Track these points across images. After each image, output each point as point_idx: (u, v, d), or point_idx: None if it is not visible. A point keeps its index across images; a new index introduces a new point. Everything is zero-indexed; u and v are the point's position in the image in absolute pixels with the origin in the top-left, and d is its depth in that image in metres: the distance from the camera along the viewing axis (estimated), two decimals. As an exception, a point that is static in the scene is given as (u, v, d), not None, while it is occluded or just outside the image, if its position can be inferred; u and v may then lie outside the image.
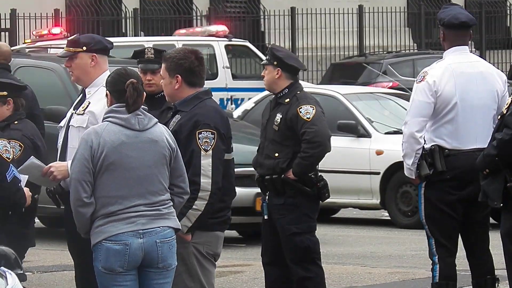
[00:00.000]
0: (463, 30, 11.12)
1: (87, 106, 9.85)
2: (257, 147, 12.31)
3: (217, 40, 24.77)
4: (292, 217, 11.22)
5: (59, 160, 9.90)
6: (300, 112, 11.22)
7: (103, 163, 8.75)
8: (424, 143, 10.65)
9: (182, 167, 9.12)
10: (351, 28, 34.99)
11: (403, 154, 10.79)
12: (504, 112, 9.87)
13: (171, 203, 9.01)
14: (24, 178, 9.36)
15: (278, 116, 11.30)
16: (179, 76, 9.76)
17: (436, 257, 10.55)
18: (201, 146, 9.53)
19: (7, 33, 30.95)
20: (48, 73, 15.69)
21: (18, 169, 9.17)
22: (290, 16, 35.09)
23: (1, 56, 11.48)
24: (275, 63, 11.47)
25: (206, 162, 9.55)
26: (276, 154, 11.23)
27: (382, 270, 14.60)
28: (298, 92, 11.42)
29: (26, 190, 9.33)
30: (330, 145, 11.58)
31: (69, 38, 10.69)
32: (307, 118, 11.19)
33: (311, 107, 11.33)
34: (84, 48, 9.99)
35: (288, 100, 11.32)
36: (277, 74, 11.43)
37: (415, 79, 11.12)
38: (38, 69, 15.95)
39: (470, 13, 12.71)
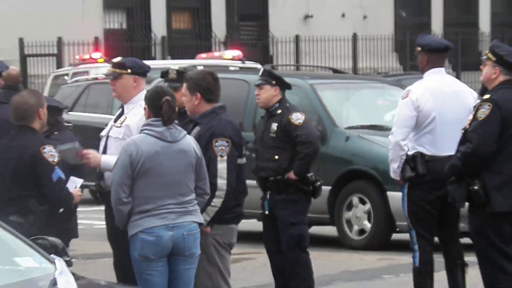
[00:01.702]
0: (444, 54, 11.14)
1: (124, 120, 9.84)
2: None
3: (233, 61, 24.60)
4: (291, 210, 11.23)
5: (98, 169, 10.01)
6: (292, 118, 11.22)
7: (140, 169, 8.83)
8: (408, 150, 10.64)
9: (204, 172, 9.19)
10: (346, 52, 34.86)
11: (390, 159, 10.76)
12: (467, 128, 9.91)
13: (196, 202, 9.08)
14: (79, 182, 9.44)
15: (274, 125, 11.29)
16: (199, 94, 9.80)
17: (416, 245, 10.52)
18: (217, 152, 9.57)
19: (54, 57, 30.82)
20: (294, 90, 15.60)
21: (61, 148, 9.29)
22: (295, 43, 34.94)
23: (11, 79, 11.45)
24: (273, 82, 11.45)
25: (222, 166, 9.60)
26: (276, 157, 11.24)
27: (372, 257, 14.52)
28: (287, 104, 11.45)
29: (76, 190, 9.40)
30: (319, 144, 11.72)
31: (114, 61, 10.63)
32: (298, 123, 11.19)
33: (300, 114, 11.35)
34: (129, 70, 10.00)
35: (280, 111, 11.33)
36: (274, 91, 11.43)
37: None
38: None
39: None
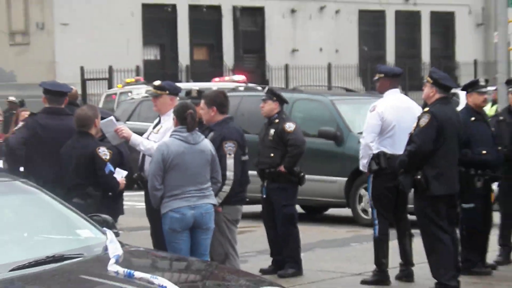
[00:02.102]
0: (399, 78, 11.12)
1: (160, 128, 9.85)
2: None
3: (239, 83, 24.58)
4: (283, 195, 11.18)
5: (140, 161, 9.96)
6: (285, 126, 11.12)
7: (170, 164, 8.88)
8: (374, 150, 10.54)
9: (217, 166, 9.22)
10: (323, 77, 34.70)
11: (361, 156, 10.67)
12: (412, 132, 9.95)
13: (211, 188, 9.13)
14: (124, 173, 9.43)
15: (272, 131, 11.20)
16: (215, 107, 9.85)
17: (377, 221, 10.48)
18: (227, 152, 9.64)
19: (106, 81, 30.79)
20: (318, 104, 15.44)
21: (101, 122, 9.29)
22: (285, 70, 34.85)
23: (70, 96, 11.33)
24: (274, 98, 11.38)
25: (230, 162, 9.65)
26: (272, 155, 11.15)
27: (342, 230, 14.49)
28: (284, 115, 11.36)
29: (122, 180, 9.40)
30: (305, 147, 11.46)
31: (155, 84, 10.54)
32: (290, 130, 11.10)
33: (292, 123, 11.24)
34: (167, 92, 9.95)
35: (277, 120, 11.22)
36: (275, 105, 11.31)
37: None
38: (311, 102, 15.56)
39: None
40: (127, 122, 20.18)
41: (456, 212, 10.32)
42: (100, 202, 8.90)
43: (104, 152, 9.07)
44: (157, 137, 9.67)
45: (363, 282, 10.65)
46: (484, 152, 10.80)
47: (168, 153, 8.92)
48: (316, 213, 16.20)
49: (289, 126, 11.16)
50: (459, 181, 10.13)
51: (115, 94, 25.62)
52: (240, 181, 9.86)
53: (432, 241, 9.89)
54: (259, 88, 22.95)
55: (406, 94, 11.20)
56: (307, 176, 11.73)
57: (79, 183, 8.99)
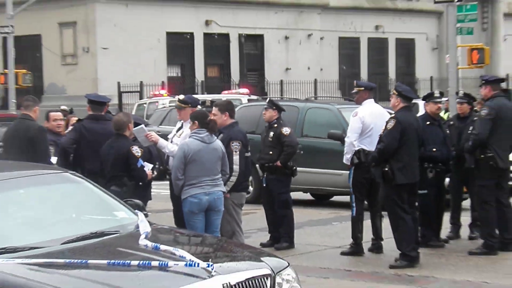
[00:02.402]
0: (373, 91, 11.09)
1: (182, 133, 9.81)
2: None
3: (243, 96, 24.58)
4: (279, 184, 11.12)
5: (166, 158, 10.02)
6: (282, 130, 11.06)
7: (189, 160, 8.91)
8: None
9: (226, 161, 9.24)
10: (310, 91, 34.63)
11: (345, 152, 10.60)
12: (381, 133, 9.91)
13: (221, 178, 9.15)
14: (150, 166, 9.43)
15: (271, 133, 11.14)
16: (227, 113, 9.88)
17: (354, 203, 10.46)
18: (233, 149, 9.63)
19: (138, 93, 30.81)
20: (327, 111, 15.31)
21: (133, 129, 9.28)
22: (280, 85, 34.84)
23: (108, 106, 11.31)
24: (274, 107, 11.29)
25: (236, 158, 9.63)
26: (271, 152, 11.09)
27: (326, 212, 14.41)
28: (281, 121, 11.26)
29: (149, 172, 9.40)
30: (297, 147, 11.40)
31: (180, 98, 10.53)
32: (286, 133, 11.04)
33: (288, 128, 11.17)
34: (189, 105, 9.92)
35: (276, 125, 11.15)
36: (274, 113, 11.23)
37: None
38: (321, 109, 15.53)
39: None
40: (160, 126, 20.23)
41: (416, 197, 10.31)
42: (133, 190, 8.90)
43: (136, 150, 9.10)
44: (179, 140, 9.65)
45: (342, 253, 10.64)
46: (434, 149, 10.80)
47: (188, 150, 8.94)
48: (324, 199, 16.01)
49: (286, 130, 11.11)
50: (429, 172, 10.18)
51: (145, 103, 25.64)
52: (244, 173, 9.85)
53: (396, 220, 9.87)
54: (262, 98, 22.95)
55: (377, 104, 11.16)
56: (318, 170, 11.74)
57: (116, 174, 8.98)
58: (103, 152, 9.18)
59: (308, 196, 15.80)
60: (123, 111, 26.03)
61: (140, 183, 9.25)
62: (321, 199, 15.89)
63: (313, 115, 15.07)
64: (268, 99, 13.27)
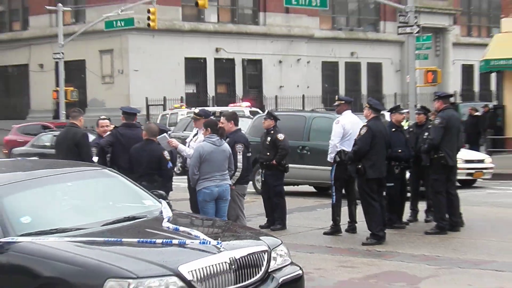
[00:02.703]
0: (351, 104, 10.97)
1: (197, 139, 9.70)
2: None
3: (246, 108, 24.57)
4: (275, 178, 11.06)
5: (184, 158, 9.93)
6: (278, 136, 10.98)
7: (204, 159, 8.84)
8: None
9: (232, 160, 9.18)
10: (299, 105, 34.49)
11: (329, 152, 10.51)
12: (357, 138, 9.88)
13: (228, 174, 9.09)
14: (171, 164, 9.41)
15: (269, 138, 11.06)
16: (232, 122, 9.85)
17: (334, 193, 10.43)
18: (237, 151, 9.57)
19: (161, 106, 30.80)
20: (329, 120, 14.97)
21: (158, 137, 9.19)
22: (275, 99, 34.81)
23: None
24: (271, 118, 11.23)
25: (240, 157, 9.58)
26: (268, 153, 11.00)
27: (312, 200, 14.30)
28: (277, 128, 11.15)
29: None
30: (289, 150, 11.28)
31: (195, 111, 10.54)
32: (281, 139, 10.96)
33: (282, 134, 11.07)
34: (203, 117, 9.80)
35: (273, 132, 11.06)
36: (272, 122, 11.14)
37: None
38: (324, 118, 14.68)
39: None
40: (184, 131, 19.94)
41: (383, 188, 10.29)
42: (161, 184, 8.87)
43: (167, 155, 9.09)
44: (195, 144, 9.56)
45: (325, 233, 10.61)
46: (400, 151, 10.78)
47: (202, 152, 8.89)
48: (325, 191, 15.65)
49: (280, 136, 11.01)
50: (395, 168, 10.16)
51: (167, 114, 25.60)
52: (246, 169, 9.81)
53: (367, 207, 9.86)
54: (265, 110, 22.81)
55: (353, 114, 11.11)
56: (322, 167, 11.66)
57: (148, 172, 8.86)
58: (135, 153, 9.07)
59: (302, 188, 15.60)
60: (150, 121, 26.07)
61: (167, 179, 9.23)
62: (323, 190, 15.73)
63: (317, 123, 14.86)
64: (266, 111, 13.21)
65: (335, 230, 10.57)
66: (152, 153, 8.98)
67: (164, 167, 9.03)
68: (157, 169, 8.96)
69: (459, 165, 11.37)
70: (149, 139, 9.07)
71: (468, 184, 15.55)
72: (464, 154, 15.56)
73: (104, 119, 11.00)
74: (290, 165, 11.37)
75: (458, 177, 12.02)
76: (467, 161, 15.27)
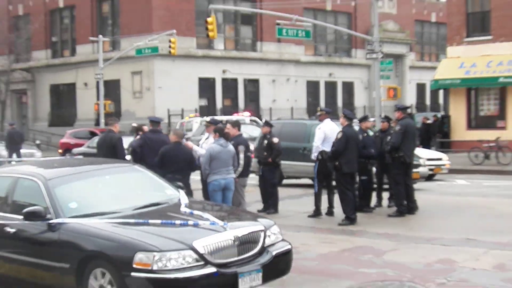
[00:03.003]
0: (330, 114, 10.86)
1: (208, 141, 9.66)
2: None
3: (246, 118, 24.41)
4: (270, 173, 10.97)
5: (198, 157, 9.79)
6: (273, 140, 10.92)
7: (213, 157, 8.77)
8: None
9: (236, 158, 9.13)
10: (289, 114, 34.39)
11: (313, 152, 10.45)
12: (335, 141, 9.83)
13: (232, 169, 9.02)
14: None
15: (265, 141, 11.01)
16: (236, 127, 9.80)
17: (317, 183, 10.41)
18: (240, 151, 9.50)
19: (180, 116, 30.69)
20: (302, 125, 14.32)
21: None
22: (269, 111, 34.62)
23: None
24: (268, 125, 11.16)
25: (241, 156, 9.53)
26: (265, 153, 10.94)
27: (298, 190, 14.17)
28: (272, 133, 11.10)
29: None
30: (282, 151, 11.11)
31: (207, 120, 10.47)
32: (275, 142, 10.91)
33: (276, 138, 11.00)
34: (213, 124, 9.69)
35: (269, 136, 11.01)
36: (268, 129, 11.06)
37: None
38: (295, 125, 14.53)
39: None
40: (201, 135, 19.28)
41: (355, 181, 10.26)
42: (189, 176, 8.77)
43: (195, 154, 9.05)
44: (207, 145, 9.50)
45: (309, 216, 10.58)
46: (372, 150, 10.76)
47: (213, 152, 8.82)
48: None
49: (275, 140, 10.91)
50: (359, 165, 10.14)
51: (184, 122, 25.51)
52: (246, 165, 9.75)
53: (343, 195, 9.85)
54: (262, 120, 22.61)
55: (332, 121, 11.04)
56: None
57: (182, 168, 8.60)
58: (168, 153, 8.68)
59: (299, 181, 15.16)
60: (170, 127, 26.02)
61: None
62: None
63: (287, 129, 14.63)
64: (264, 120, 13.13)
65: (317, 213, 10.54)
66: (185, 153, 8.82)
67: (193, 163, 8.94)
68: (188, 165, 8.82)
69: (422, 163, 11.38)
70: (177, 141, 8.89)
71: (429, 178, 15.30)
72: (426, 153, 15.48)
73: (139, 125, 10.89)
74: (294, 163, 11.18)
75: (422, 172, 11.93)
76: (429, 159, 15.01)
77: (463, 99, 23.42)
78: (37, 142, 29.12)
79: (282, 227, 6.60)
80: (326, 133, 10.36)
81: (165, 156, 8.67)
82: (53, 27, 37.11)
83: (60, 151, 24.19)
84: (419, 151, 13.90)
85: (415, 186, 11.42)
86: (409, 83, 43.16)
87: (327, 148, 10.18)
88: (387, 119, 11.75)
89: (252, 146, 10.80)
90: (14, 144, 19.06)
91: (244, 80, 35.68)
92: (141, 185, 6.62)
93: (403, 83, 41.57)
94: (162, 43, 27.94)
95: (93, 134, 24.46)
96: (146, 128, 10.34)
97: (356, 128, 10.79)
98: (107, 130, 10.52)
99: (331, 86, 40.07)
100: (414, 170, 11.36)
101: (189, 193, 7.45)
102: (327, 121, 10.61)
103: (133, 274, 4.99)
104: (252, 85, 36.44)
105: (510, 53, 22.14)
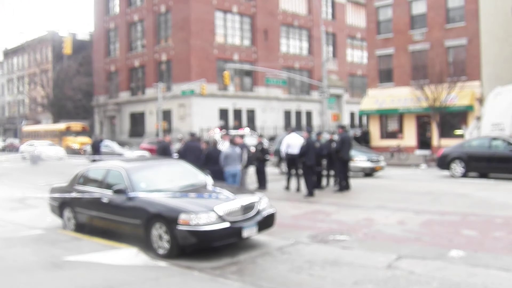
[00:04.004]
0: (295, 131, 10.72)
1: (225, 146, 9.48)
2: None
3: (247, 132, 24.00)
4: (262, 165, 10.69)
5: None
6: (263, 145, 10.74)
7: (227, 156, 8.54)
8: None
9: (241, 157, 8.88)
10: (273, 132, 34.19)
11: (282, 153, 10.22)
12: (301, 146, 9.57)
13: (239, 163, 8.76)
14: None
15: (260, 147, 10.76)
16: (241, 138, 9.66)
17: (288, 173, 10.25)
18: (243, 152, 9.25)
19: (207, 130, 30.22)
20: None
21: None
22: (261, 128, 34.35)
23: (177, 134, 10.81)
24: (260, 136, 10.94)
25: (244, 156, 9.27)
26: (260, 154, 10.69)
27: (279, 176, 13.58)
28: (263, 142, 10.90)
29: None
30: (269, 152, 10.91)
31: (223, 133, 10.05)
32: (265, 147, 10.73)
33: (270, 144, 10.80)
34: (228, 135, 9.50)
35: (261, 143, 10.80)
36: (260, 139, 10.81)
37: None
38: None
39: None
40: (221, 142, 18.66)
41: (314, 170, 10.09)
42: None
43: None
44: (224, 148, 9.31)
45: (286, 188, 10.35)
46: (324, 151, 10.49)
47: (227, 153, 8.60)
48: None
49: (268, 145, 10.73)
50: (316, 160, 9.86)
51: (210, 134, 25.10)
52: (247, 161, 9.48)
53: (307, 179, 9.67)
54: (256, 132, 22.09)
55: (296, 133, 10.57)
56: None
57: (214, 163, 8.30)
58: (212, 154, 8.36)
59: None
60: (202, 138, 25.58)
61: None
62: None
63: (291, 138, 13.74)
64: (259, 133, 12.86)
65: (287, 188, 10.39)
66: (219, 154, 8.58)
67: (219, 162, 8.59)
68: (217, 162, 8.53)
69: (366, 163, 11.13)
70: (215, 147, 8.72)
71: (371, 174, 14.25)
72: (370, 156, 14.07)
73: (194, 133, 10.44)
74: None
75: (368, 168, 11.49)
76: (372, 161, 13.85)
77: (377, 121, 23.90)
78: (127, 146, 29.21)
79: (269, 198, 6.58)
80: (288, 142, 10.24)
81: (209, 156, 8.45)
82: (132, 78, 37.26)
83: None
84: (368, 154, 13.16)
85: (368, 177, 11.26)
86: (345, 111, 43.22)
87: (291, 150, 10.06)
88: (332, 133, 11.67)
89: (252, 149, 10.53)
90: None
91: (247, 110, 35.64)
92: (183, 173, 6.55)
93: (342, 111, 41.60)
94: (197, 87, 27.91)
95: (158, 142, 24.12)
96: (186, 138, 10.15)
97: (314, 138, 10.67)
98: (162, 140, 10.43)
99: (298, 114, 39.97)
100: (372, 165, 10.90)
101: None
102: (293, 134, 10.52)
103: (178, 227, 5.13)
104: (251, 113, 36.34)
105: (405, 93, 22.57)
